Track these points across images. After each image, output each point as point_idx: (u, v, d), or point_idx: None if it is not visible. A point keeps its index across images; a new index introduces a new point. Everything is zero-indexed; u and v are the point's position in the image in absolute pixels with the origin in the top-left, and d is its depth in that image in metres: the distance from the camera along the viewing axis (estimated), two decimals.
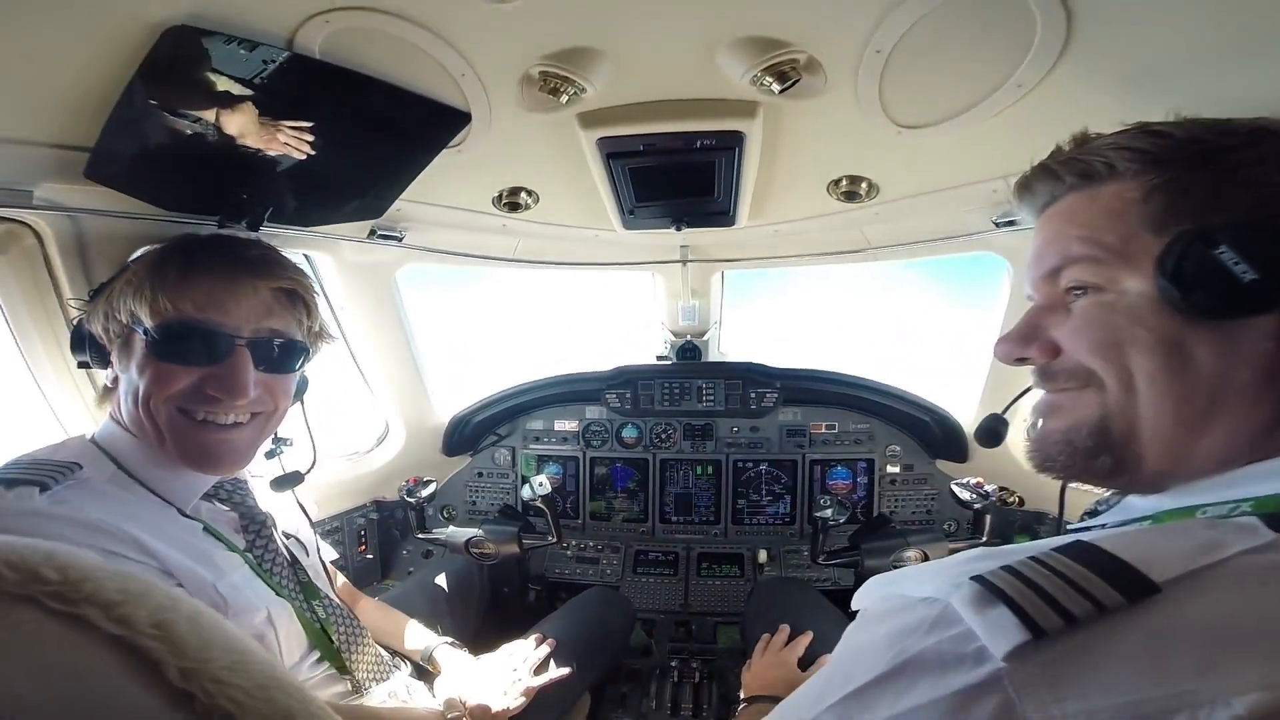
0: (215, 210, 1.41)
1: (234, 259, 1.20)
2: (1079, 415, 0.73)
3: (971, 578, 0.58)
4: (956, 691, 0.53)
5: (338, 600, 1.43)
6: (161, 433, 1.13)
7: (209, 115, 1.14)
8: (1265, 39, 0.97)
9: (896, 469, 2.68)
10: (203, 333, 1.13)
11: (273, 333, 1.21)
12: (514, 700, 1.50)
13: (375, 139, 1.36)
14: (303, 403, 1.46)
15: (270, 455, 1.44)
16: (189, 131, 1.17)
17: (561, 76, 1.18)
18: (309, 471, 1.48)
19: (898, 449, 2.68)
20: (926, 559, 2.07)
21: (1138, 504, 0.74)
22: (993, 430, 1.30)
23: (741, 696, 1.66)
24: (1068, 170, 0.75)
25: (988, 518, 2.09)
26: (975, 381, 2.44)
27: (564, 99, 1.22)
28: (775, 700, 1.53)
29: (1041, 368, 0.77)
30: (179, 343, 1.12)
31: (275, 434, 1.38)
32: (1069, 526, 0.85)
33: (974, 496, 2.07)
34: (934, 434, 2.60)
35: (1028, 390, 1.31)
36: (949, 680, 0.54)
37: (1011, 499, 2.38)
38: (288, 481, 1.45)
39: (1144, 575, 0.52)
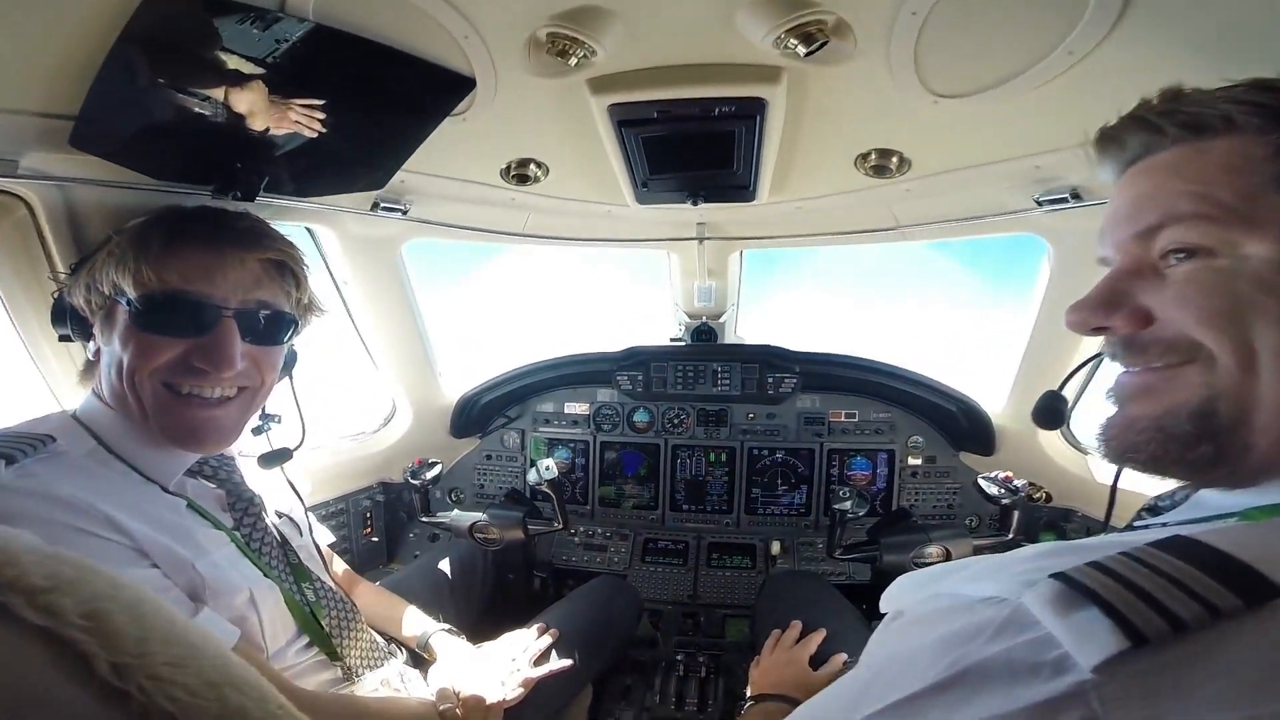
0: (208, 180, 1.38)
1: (222, 230, 1.18)
2: (1177, 397, 0.64)
3: (1052, 575, 0.52)
4: (1028, 707, 0.47)
5: (331, 584, 1.42)
6: (145, 407, 1.12)
7: (197, 81, 1.09)
8: None
9: (918, 461, 2.61)
10: (188, 303, 1.11)
11: (260, 304, 1.20)
12: (511, 691, 1.48)
13: (374, 106, 1.31)
14: (291, 378, 1.44)
15: (258, 432, 1.42)
16: (177, 98, 1.12)
17: (570, 38, 1.12)
18: (298, 448, 1.47)
19: (920, 440, 2.60)
20: (949, 556, 2.02)
21: (1214, 500, 0.67)
22: (1052, 409, 1.21)
23: (748, 694, 1.62)
24: (1169, 121, 0.67)
25: (1015, 514, 2.02)
26: (1001, 373, 2.37)
27: (573, 61, 1.16)
28: (785, 699, 1.49)
29: (1126, 339, 0.69)
30: (163, 313, 1.10)
31: (263, 410, 1.37)
32: (1135, 525, 0.78)
33: (1002, 491, 2.00)
34: (960, 425, 2.52)
35: (1087, 363, 1.17)
36: (1019, 693, 0.48)
37: (1038, 495, 2.31)
38: (275, 458, 1.44)
39: (1264, 576, 0.46)
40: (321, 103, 1.23)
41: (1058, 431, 2.30)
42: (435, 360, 2.61)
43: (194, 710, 0.43)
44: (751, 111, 1.32)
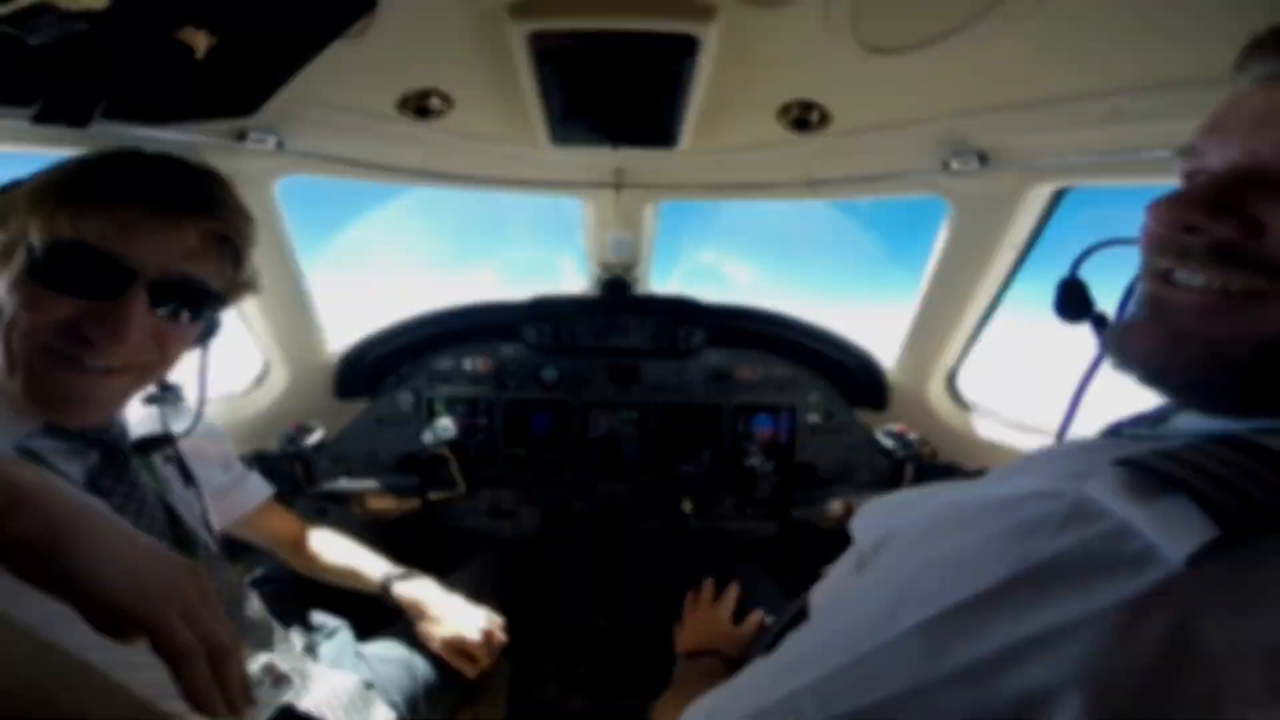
0: (27, 100, 1.16)
1: (174, 188, 1.03)
2: (1251, 326, 0.57)
3: (1115, 461, 0.49)
4: (1111, 606, 0.43)
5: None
6: (14, 363, 0.96)
7: None
8: None
9: (817, 418, 2.72)
10: (99, 260, 0.96)
11: (186, 278, 1.05)
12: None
13: (247, 14, 1.14)
14: (205, 349, 1.25)
15: (152, 402, 1.24)
16: None
17: None
18: (186, 434, 1.28)
19: (818, 396, 2.72)
20: (851, 510, 2.17)
21: (1199, 423, 0.63)
22: (1077, 297, 0.93)
23: (678, 653, 1.66)
24: None
25: (908, 468, 2.19)
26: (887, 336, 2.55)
27: None
28: (715, 655, 1.52)
29: (1217, 246, 0.60)
30: (66, 267, 0.96)
31: (164, 382, 1.22)
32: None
33: (897, 445, 2.17)
34: (856, 380, 2.66)
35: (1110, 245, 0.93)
36: (1098, 591, 0.44)
37: (925, 449, 2.51)
38: (152, 445, 1.23)
39: None
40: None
41: (943, 388, 2.49)
42: (316, 311, 2.40)
43: None
44: (682, 50, 1.30)
